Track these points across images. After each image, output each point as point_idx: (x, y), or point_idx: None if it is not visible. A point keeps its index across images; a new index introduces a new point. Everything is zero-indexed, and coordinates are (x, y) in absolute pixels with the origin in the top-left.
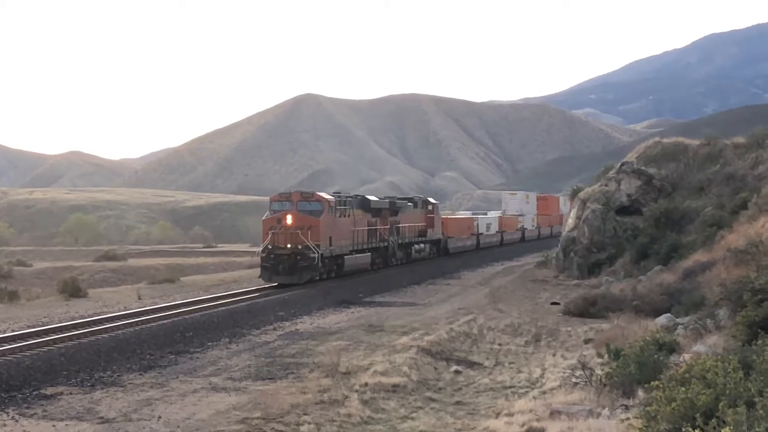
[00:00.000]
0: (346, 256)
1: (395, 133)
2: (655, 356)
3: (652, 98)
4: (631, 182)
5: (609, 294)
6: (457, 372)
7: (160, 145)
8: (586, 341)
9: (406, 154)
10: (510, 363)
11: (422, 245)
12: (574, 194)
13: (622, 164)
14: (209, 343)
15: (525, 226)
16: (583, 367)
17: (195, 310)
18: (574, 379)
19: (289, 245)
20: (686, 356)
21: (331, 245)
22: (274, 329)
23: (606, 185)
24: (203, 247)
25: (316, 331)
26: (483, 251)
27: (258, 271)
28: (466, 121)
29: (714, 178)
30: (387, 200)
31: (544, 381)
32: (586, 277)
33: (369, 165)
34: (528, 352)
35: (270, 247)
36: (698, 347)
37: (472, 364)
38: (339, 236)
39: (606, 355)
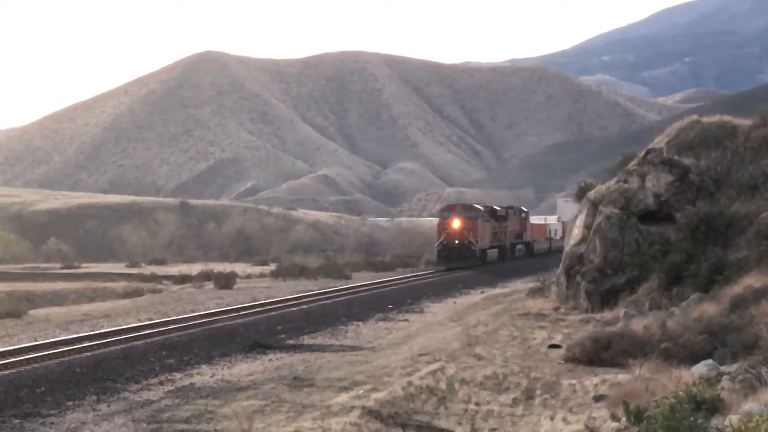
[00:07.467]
0: (487, 250)
1: (332, 107)
2: (692, 419)
3: (689, 61)
4: (659, 177)
5: (629, 333)
6: None
7: None
8: (597, 398)
9: (347, 137)
10: (491, 430)
11: (520, 246)
12: (581, 194)
13: (648, 152)
14: (69, 403)
15: None
16: None
17: (49, 356)
18: None
19: (457, 241)
20: (733, 418)
21: (482, 242)
22: (160, 383)
23: (625, 182)
24: (61, 268)
25: (220, 386)
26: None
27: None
28: (432, 92)
29: None
30: (504, 210)
31: None
32: (598, 310)
33: (295, 152)
34: (516, 415)
35: (444, 242)
36: (750, 405)
37: None
38: (484, 236)
39: (624, 418)
